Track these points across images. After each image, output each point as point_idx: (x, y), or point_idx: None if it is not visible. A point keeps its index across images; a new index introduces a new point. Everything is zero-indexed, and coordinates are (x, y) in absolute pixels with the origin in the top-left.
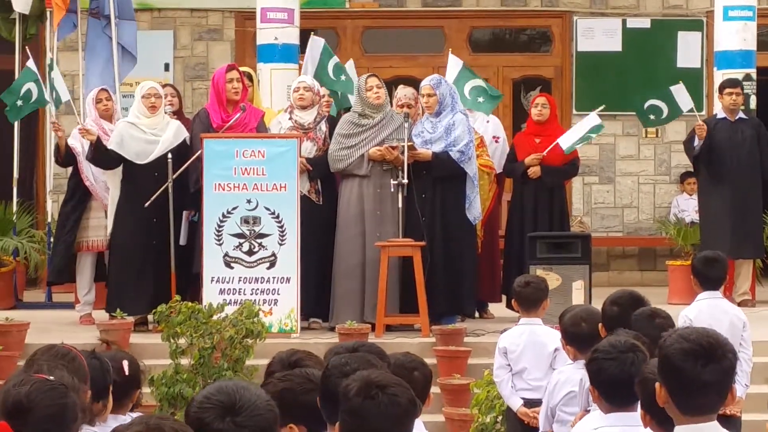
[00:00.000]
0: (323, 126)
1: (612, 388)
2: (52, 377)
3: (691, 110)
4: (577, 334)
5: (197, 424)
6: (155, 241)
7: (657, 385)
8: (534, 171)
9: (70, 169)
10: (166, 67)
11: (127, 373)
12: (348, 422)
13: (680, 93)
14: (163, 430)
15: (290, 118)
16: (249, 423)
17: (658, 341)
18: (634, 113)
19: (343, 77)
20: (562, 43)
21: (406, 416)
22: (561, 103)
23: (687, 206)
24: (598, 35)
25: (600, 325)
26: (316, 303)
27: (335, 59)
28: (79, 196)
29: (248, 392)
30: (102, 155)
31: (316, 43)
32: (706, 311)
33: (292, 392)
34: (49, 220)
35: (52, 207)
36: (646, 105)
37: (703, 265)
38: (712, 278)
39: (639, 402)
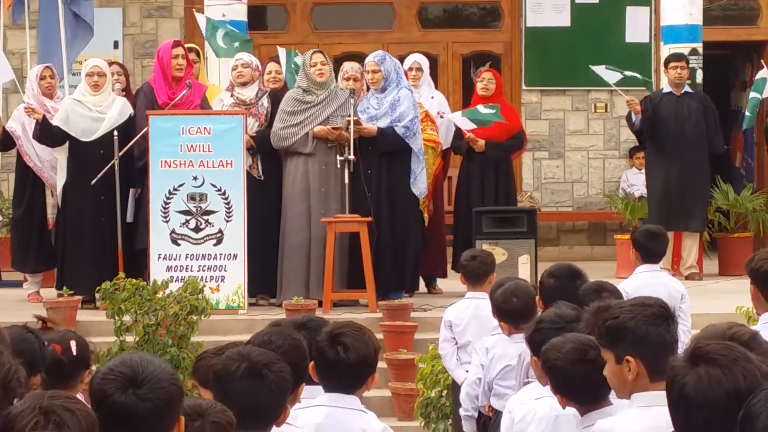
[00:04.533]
0: (265, 101)
1: None
2: None
3: (620, 82)
4: (510, 310)
5: (99, 396)
6: (104, 218)
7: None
8: (479, 145)
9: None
10: (116, 44)
11: (75, 354)
12: (236, 403)
13: (602, 72)
14: (56, 413)
15: (232, 95)
16: (150, 396)
17: None
18: (583, 88)
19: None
20: (511, 19)
21: (289, 388)
22: (511, 79)
23: (636, 181)
24: (547, 10)
25: (537, 298)
26: (263, 279)
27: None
28: (29, 187)
29: (152, 365)
30: (48, 132)
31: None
32: (643, 284)
33: None
34: None
35: (1, 186)
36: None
37: (645, 238)
38: (654, 252)
39: None
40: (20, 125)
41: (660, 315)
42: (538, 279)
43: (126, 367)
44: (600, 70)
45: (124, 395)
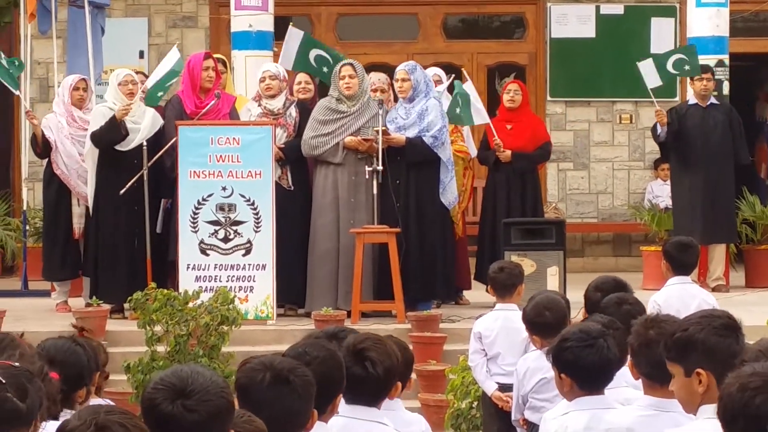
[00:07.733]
0: (293, 111)
1: (590, 374)
2: (17, 363)
3: (658, 88)
4: (543, 324)
5: (148, 405)
6: (136, 229)
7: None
8: (505, 156)
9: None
10: (141, 54)
11: None
12: (265, 412)
13: (646, 68)
14: (111, 429)
15: (259, 105)
16: (198, 407)
17: (630, 327)
18: (608, 99)
19: (325, 69)
20: (536, 30)
21: (314, 392)
22: (535, 90)
23: (661, 192)
24: (572, 21)
25: (582, 309)
26: (292, 290)
27: (316, 50)
28: (56, 195)
29: (202, 377)
30: (116, 129)
31: (293, 35)
32: (675, 296)
33: None
34: (25, 207)
35: (27, 195)
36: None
37: (676, 250)
38: (685, 263)
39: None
40: (54, 133)
41: (728, 326)
42: (583, 293)
43: (176, 378)
44: (646, 66)
45: (171, 405)
